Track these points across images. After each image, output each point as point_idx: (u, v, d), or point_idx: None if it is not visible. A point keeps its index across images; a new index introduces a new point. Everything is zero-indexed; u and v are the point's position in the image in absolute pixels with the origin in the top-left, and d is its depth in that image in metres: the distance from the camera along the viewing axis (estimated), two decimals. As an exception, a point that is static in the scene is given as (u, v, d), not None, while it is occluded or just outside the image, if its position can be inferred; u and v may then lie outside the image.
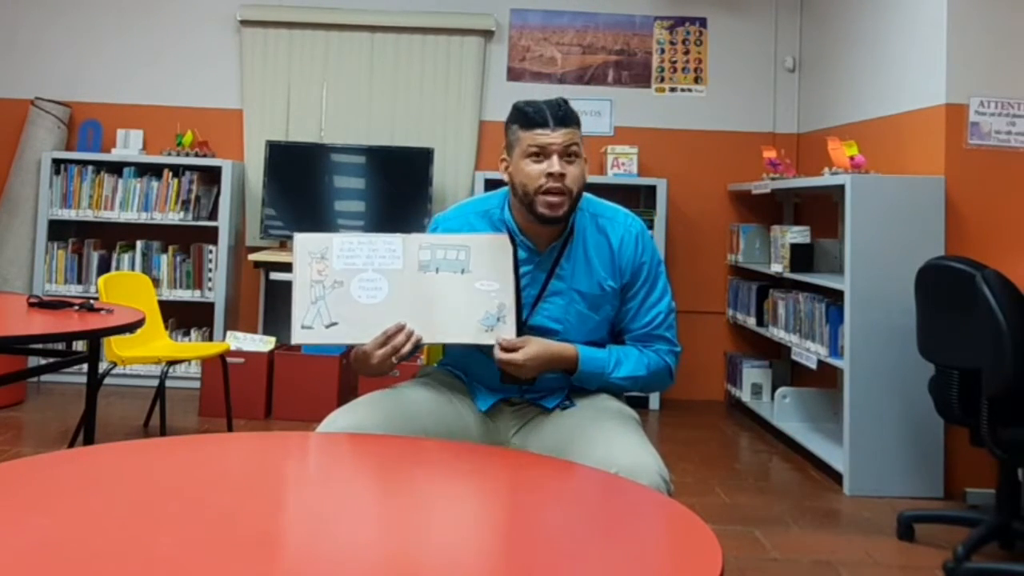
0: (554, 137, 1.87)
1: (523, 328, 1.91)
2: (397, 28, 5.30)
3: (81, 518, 1.16)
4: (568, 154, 1.88)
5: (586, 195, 1.99)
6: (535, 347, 1.85)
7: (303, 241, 1.86)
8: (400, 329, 1.81)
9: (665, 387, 2.04)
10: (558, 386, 1.97)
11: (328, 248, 1.85)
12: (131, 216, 5.07)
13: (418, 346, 1.86)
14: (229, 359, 4.14)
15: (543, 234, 1.94)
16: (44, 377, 4.87)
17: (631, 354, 1.96)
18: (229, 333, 4.64)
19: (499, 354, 1.83)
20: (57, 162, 5.06)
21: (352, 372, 4.55)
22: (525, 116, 1.89)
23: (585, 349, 1.92)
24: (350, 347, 1.90)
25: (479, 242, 1.90)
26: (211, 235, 5.07)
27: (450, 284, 1.86)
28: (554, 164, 1.86)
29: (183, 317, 5.13)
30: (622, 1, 5.40)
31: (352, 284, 1.83)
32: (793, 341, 4.24)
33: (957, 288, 2.78)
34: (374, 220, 5.03)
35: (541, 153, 1.87)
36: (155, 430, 4.09)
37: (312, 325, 1.81)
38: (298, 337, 1.81)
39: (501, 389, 1.97)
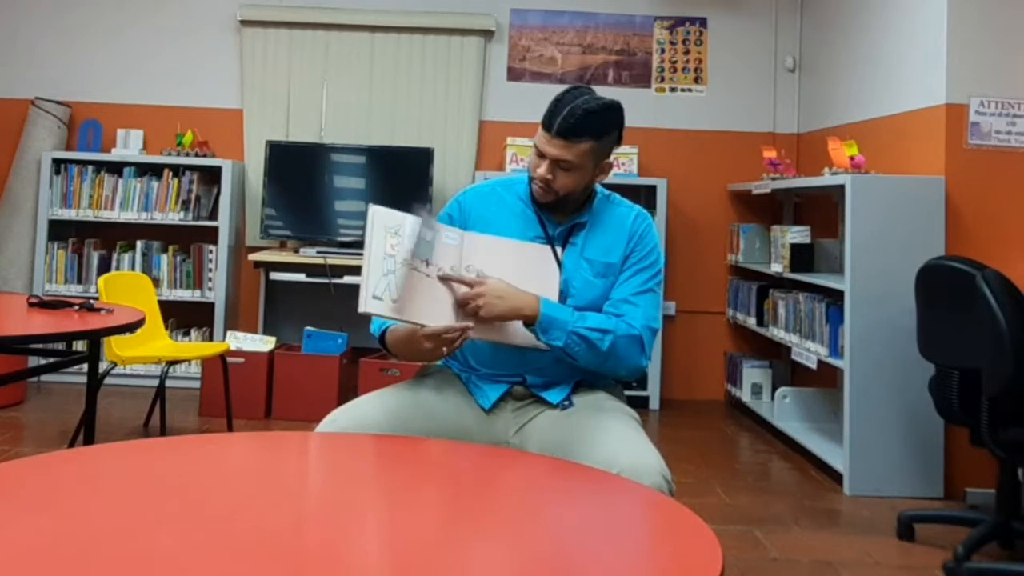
0: (548, 147, 1.92)
1: None
2: (397, 28, 5.30)
3: (81, 518, 1.16)
4: (560, 166, 1.93)
5: (609, 192, 2.11)
6: (495, 282, 1.85)
7: (380, 215, 1.86)
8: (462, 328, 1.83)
9: (636, 364, 1.93)
10: (562, 379, 1.97)
11: (402, 227, 1.86)
12: (131, 216, 5.07)
13: (464, 340, 1.85)
14: (229, 359, 4.14)
15: (561, 209, 2.02)
16: (44, 377, 4.87)
17: (600, 314, 1.94)
18: (229, 333, 4.64)
19: (460, 292, 1.84)
20: (57, 162, 5.06)
21: (351, 372, 4.55)
22: (547, 109, 1.94)
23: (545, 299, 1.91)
24: (385, 330, 1.95)
25: (527, 250, 1.96)
26: (211, 235, 5.07)
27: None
28: (543, 168, 1.94)
29: (183, 317, 5.13)
30: (622, 1, 5.41)
31: (420, 267, 1.85)
32: (793, 341, 4.24)
33: (957, 288, 2.78)
34: (374, 220, 5.02)
35: (539, 154, 1.95)
36: (155, 430, 4.09)
37: (382, 297, 1.80)
38: (368, 306, 1.78)
39: (506, 379, 1.97)
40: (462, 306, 1.83)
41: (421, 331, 1.81)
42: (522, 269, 1.93)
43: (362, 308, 1.79)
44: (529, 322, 1.87)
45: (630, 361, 1.92)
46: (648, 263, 2.02)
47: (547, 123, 1.91)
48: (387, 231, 1.85)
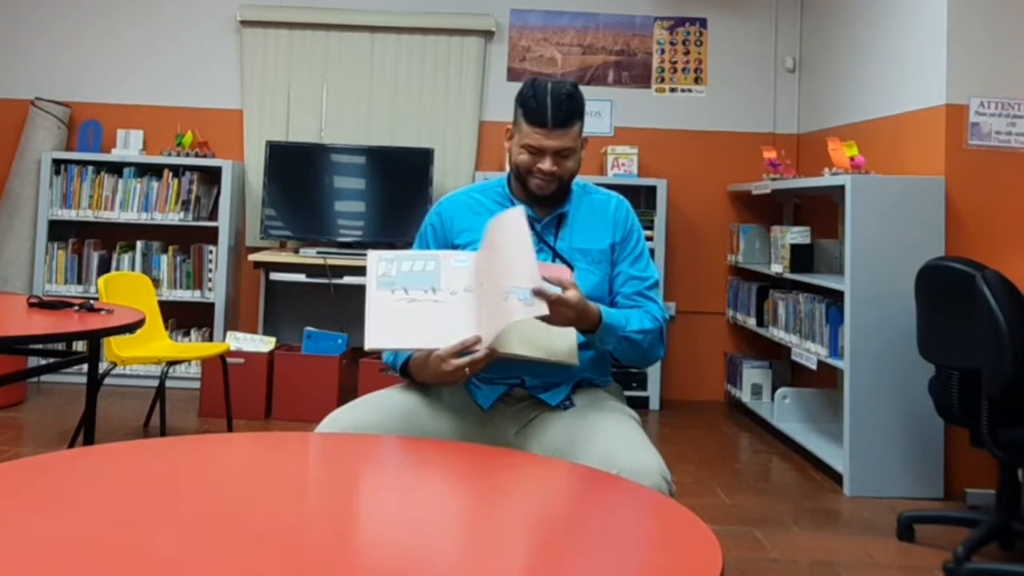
0: (549, 141, 1.93)
1: None
2: (397, 28, 5.30)
3: (81, 518, 1.16)
4: (562, 155, 1.95)
5: (584, 182, 2.13)
6: (574, 293, 1.78)
7: (373, 257, 1.89)
8: (477, 340, 1.79)
9: (659, 355, 2.00)
10: (560, 380, 1.97)
11: (396, 263, 1.89)
12: (131, 216, 5.07)
13: (490, 359, 1.81)
14: (229, 359, 4.14)
15: (543, 202, 2.03)
16: (44, 377, 4.87)
17: (633, 311, 1.97)
18: (229, 333, 4.64)
19: (550, 289, 1.72)
20: (57, 162, 5.06)
21: (351, 372, 4.55)
22: (528, 109, 1.94)
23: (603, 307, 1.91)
24: (405, 361, 1.95)
25: (501, 224, 1.83)
26: (211, 235, 5.07)
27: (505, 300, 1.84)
28: (546, 163, 1.95)
29: (183, 317, 5.12)
30: (622, 1, 5.40)
31: (420, 297, 1.85)
32: (793, 341, 4.24)
33: (957, 288, 2.78)
34: (374, 220, 5.03)
35: (536, 152, 1.95)
36: (155, 430, 4.09)
37: (386, 330, 1.83)
38: (373, 342, 1.82)
39: (504, 382, 1.96)
40: (539, 294, 1.69)
41: (435, 353, 1.80)
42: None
43: (368, 345, 1.82)
44: (588, 331, 1.86)
45: (655, 353, 1.99)
46: (641, 248, 2.07)
47: (539, 119, 1.92)
48: (381, 271, 1.88)
